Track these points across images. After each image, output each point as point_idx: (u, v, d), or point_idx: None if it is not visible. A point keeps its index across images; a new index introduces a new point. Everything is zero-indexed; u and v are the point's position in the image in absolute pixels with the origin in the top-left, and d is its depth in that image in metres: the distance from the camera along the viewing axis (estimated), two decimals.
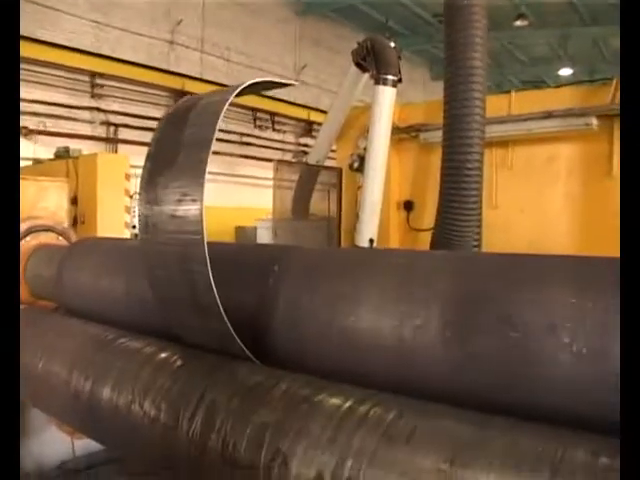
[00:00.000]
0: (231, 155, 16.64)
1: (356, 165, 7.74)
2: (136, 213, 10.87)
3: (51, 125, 13.51)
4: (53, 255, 4.37)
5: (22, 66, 12.35)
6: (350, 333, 2.30)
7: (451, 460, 1.67)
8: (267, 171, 13.67)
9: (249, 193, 16.85)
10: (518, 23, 19.21)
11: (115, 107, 15.04)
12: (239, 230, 15.42)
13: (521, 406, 1.89)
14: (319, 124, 15.97)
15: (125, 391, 2.68)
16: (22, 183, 5.27)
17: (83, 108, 14.38)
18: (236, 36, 18.39)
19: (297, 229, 8.57)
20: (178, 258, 2.35)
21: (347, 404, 2.00)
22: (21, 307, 4.20)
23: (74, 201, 8.24)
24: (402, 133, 7.70)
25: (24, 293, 4.52)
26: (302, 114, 20.26)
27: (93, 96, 14.59)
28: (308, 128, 20.57)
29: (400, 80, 7.40)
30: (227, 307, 2.29)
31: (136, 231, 10.61)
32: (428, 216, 6.89)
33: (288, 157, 18.80)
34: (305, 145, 19.84)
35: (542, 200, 6.77)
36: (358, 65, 7.81)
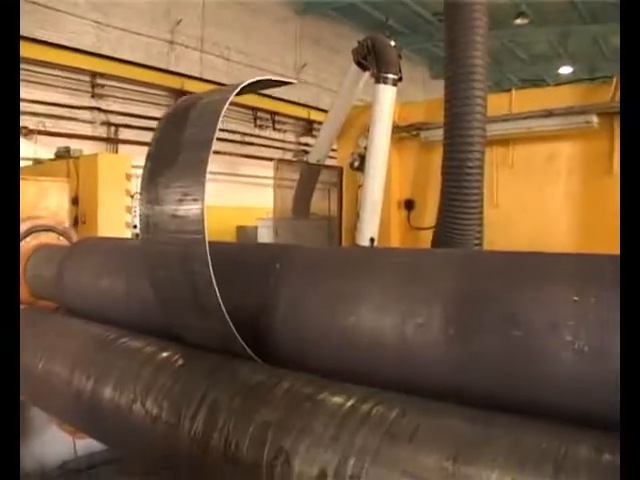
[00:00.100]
0: (231, 155, 16.63)
1: (357, 164, 7.74)
2: (137, 213, 10.89)
3: (51, 125, 13.50)
4: (54, 255, 4.37)
5: (23, 66, 12.35)
6: (352, 332, 2.30)
7: (454, 458, 1.67)
8: (267, 170, 13.66)
9: (250, 192, 16.83)
10: (518, 21, 19.21)
11: (115, 107, 15.03)
12: (240, 229, 15.41)
13: (524, 404, 1.89)
14: (319, 123, 15.97)
15: (127, 390, 2.68)
16: (23, 183, 5.27)
17: (84, 108, 14.37)
18: (236, 35, 18.38)
19: (298, 228, 8.57)
20: (179, 258, 2.35)
21: (349, 402, 2.00)
22: (22, 307, 4.20)
23: (75, 201, 8.25)
24: (403, 132, 7.69)
25: (25, 293, 4.52)
26: (302, 113, 20.25)
27: (94, 96, 14.58)
28: (308, 127, 20.56)
29: (400, 79, 7.40)
30: (228, 306, 2.29)
31: (137, 231, 10.61)
32: (429, 215, 6.89)
33: (288, 156, 18.80)
34: (305, 144, 19.84)
35: (543, 198, 6.76)
36: (359, 64, 7.80)
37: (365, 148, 7.45)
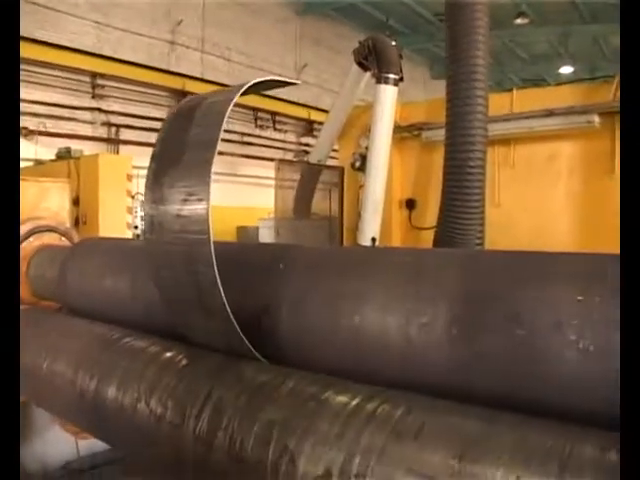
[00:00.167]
0: (232, 155, 16.62)
1: (358, 164, 7.74)
2: (138, 213, 10.90)
3: (52, 126, 13.50)
4: (56, 255, 4.37)
5: (23, 67, 12.36)
6: (355, 331, 2.31)
7: (460, 456, 1.67)
8: (268, 170, 13.66)
9: (250, 193, 16.82)
10: (519, 21, 19.21)
11: (116, 107, 15.03)
12: (241, 230, 15.41)
13: (528, 403, 1.89)
14: (320, 123, 15.96)
15: (131, 390, 2.69)
16: (24, 184, 5.28)
17: (84, 109, 14.37)
18: (236, 36, 18.38)
19: (299, 228, 8.57)
20: (184, 258, 2.35)
21: (354, 401, 2.00)
22: (25, 307, 4.21)
23: (76, 202, 8.25)
24: (404, 132, 7.70)
25: (27, 293, 4.52)
26: (303, 113, 20.25)
27: (94, 97, 14.58)
28: (309, 127, 20.56)
29: (402, 79, 7.40)
30: (231, 306, 2.29)
31: (138, 231, 10.63)
32: (430, 214, 6.89)
33: (289, 156, 18.80)
34: (306, 144, 19.84)
35: (544, 198, 6.76)
36: (360, 64, 7.81)
37: (366, 148, 7.45)
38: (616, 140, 6.14)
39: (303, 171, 8.83)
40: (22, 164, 9.24)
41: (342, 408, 2.00)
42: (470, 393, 2.01)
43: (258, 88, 2.51)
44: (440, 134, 6.02)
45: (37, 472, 5.42)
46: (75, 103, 14.15)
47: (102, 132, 14.77)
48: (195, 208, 2.24)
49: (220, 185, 15.08)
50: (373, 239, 7.19)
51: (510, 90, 7.28)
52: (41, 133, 13.14)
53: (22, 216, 4.80)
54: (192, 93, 16.33)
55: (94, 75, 14.48)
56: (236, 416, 2.18)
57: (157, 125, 15.27)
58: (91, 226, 8.34)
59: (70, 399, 3.15)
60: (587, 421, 1.74)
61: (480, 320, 2.00)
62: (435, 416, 1.87)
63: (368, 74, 7.80)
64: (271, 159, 14.86)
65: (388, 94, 7.24)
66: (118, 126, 15.00)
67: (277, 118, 19.48)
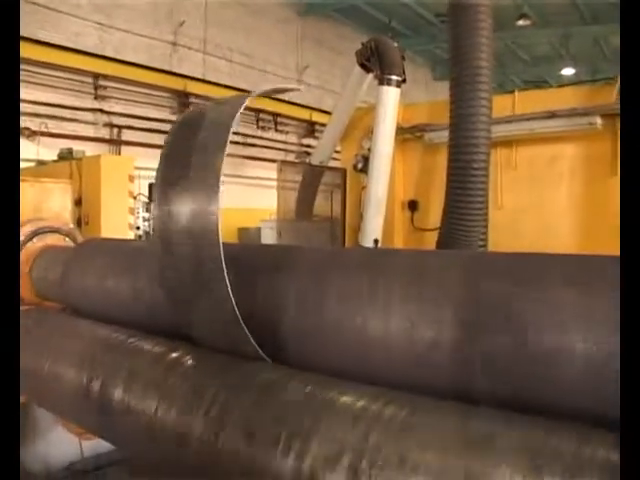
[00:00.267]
0: (233, 156, 16.63)
1: (360, 166, 7.73)
2: (140, 214, 10.92)
3: (54, 127, 13.52)
4: (59, 256, 4.37)
5: (26, 67, 12.39)
6: (359, 332, 2.31)
7: (465, 457, 1.67)
8: (269, 172, 13.67)
9: (251, 194, 16.84)
10: (520, 23, 19.24)
11: (118, 108, 15.05)
12: (242, 231, 15.41)
13: (532, 404, 1.89)
14: (321, 125, 15.98)
15: (136, 390, 2.69)
16: (26, 185, 5.29)
17: (86, 109, 14.40)
18: (238, 37, 18.41)
19: (301, 230, 8.58)
20: (192, 259, 2.36)
21: (360, 402, 2.01)
22: (28, 308, 4.22)
23: (78, 202, 8.26)
24: (406, 133, 7.69)
25: (30, 294, 4.53)
26: (304, 115, 20.28)
27: (96, 97, 14.61)
28: (310, 129, 20.59)
29: (404, 80, 7.40)
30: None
31: (140, 232, 10.65)
32: (433, 216, 6.89)
33: (290, 158, 18.82)
34: (307, 146, 19.87)
35: (547, 200, 6.76)
36: (362, 66, 7.80)
37: (369, 150, 7.44)
38: (618, 142, 6.13)
39: (305, 172, 8.83)
40: (24, 165, 9.27)
41: (347, 409, 2.00)
42: (474, 394, 2.02)
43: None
44: (442, 136, 6.02)
45: (41, 473, 5.42)
46: (77, 104, 14.18)
47: (104, 133, 14.81)
48: (204, 209, 2.25)
49: (222, 185, 15.07)
50: (375, 240, 7.18)
51: (512, 92, 7.28)
52: (43, 134, 13.16)
53: (25, 217, 4.81)
54: (194, 94, 16.40)
55: (96, 76, 14.51)
56: (242, 417, 2.19)
57: (159, 126, 15.33)
58: (93, 227, 8.35)
59: (74, 400, 3.15)
60: (591, 422, 1.74)
61: (483, 321, 2.00)
62: (439, 417, 1.88)
63: (371, 76, 7.79)
64: (273, 160, 14.88)
65: (391, 96, 7.24)
66: (120, 127, 15.03)
67: (279, 119, 19.52)
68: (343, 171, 8.42)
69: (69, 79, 13.99)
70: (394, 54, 7.42)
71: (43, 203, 5.65)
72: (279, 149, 19.29)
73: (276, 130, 19.58)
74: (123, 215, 8.66)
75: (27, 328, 3.54)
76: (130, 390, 2.72)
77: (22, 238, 4.69)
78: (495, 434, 1.72)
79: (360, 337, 2.31)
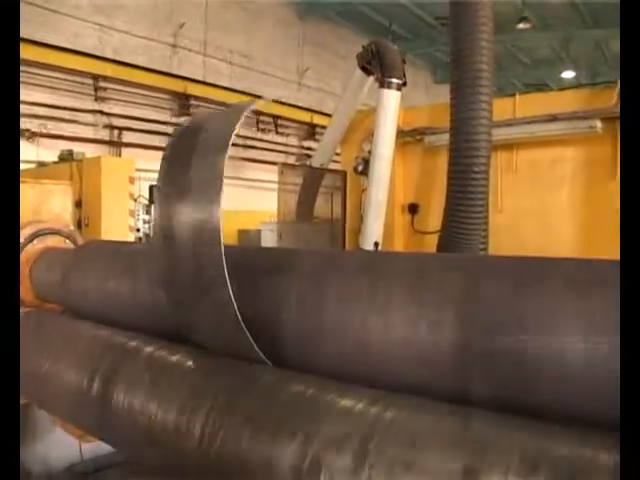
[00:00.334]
0: (234, 158, 16.63)
1: (361, 168, 7.75)
2: (140, 216, 10.93)
3: (54, 128, 13.53)
4: (59, 258, 4.37)
5: (26, 69, 12.40)
6: (359, 335, 2.31)
7: (466, 460, 1.67)
8: (269, 174, 13.67)
9: (251, 196, 16.84)
10: (521, 26, 19.26)
11: (118, 110, 15.06)
12: (242, 234, 15.41)
13: (533, 406, 1.89)
14: (322, 127, 15.99)
15: (136, 392, 2.69)
16: (26, 186, 5.29)
17: (86, 111, 14.41)
18: (239, 39, 18.43)
19: (301, 232, 8.59)
20: (193, 261, 2.36)
21: (360, 404, 2.01)
22: (28, 310, 4.21)
23: (78, 204, 8.27)
24: (407, 136, 7.71)
25: (31, 296, 4.52)
26: (305, 117, 20.29)
27: (96, 99, 14.62)
28: (311, 131, 20.60)
29: (405, 83, 7.42)
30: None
31: (140, 234, 10.65)
32: (433, 219, 6.91)
33: (291, 160, 18.82)
34: (308, 148, 19.88)
35: (547, 203, 6.77)
36: (363, 69, 7.83)
37: (369, 152, 7.46)
38: (618, 145, 6.14)
39: (306, 175, 8.85)
40: (24, 166, 9.29)
41: (347, 411, 2.00)
42: (474, 397, 2.02)
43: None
44: (443, 139, 6.04)
45: (41, 475, 5.41)
46: (77, 105, 14.19)
47: (104, 134, 14.82)
48: (206, 210, 2.25)
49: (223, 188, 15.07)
50: (376, 243, 7.19)
51: (513, 95, 7.29)
52: (43, 135, 13.17)
53: (25, 219, 4.81)
54: (194, 96, 16.42)
55: (96, 77, 14.52)
56: (242, 420, 2.19)
57: (159, 128, 15.35)
58: (93, 229, 8.36)
59: (75, 401, 3.15)
60: (591, 423, 1.74)
61: (483, 324, 2.00)
62: (440, 421, 1.88)
63: (371, 78, 7.82)
64: (273, 162, 14.89)
65: (391, 98, 7.26)
66: (120, 129, 15.04)
67: (279, 121, 19.51)
68: (343, 174, 8.44)
69: (69, 80, 14.00)
70: (395, 57, 7.44)
71: (43, 205, 5.65)
72: (279, 151, 19.30)
73: (276, 132, 19.59)
74: (123, 217, 8.66)
75: (27, 330, 3.54)
76: (130, 392, 2.72)
77: (22, 240, 4.69)
78: (495, 436, 1.72)
79: (360, 340, 2.31)
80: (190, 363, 2.65)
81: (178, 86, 16.31)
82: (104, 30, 14.95)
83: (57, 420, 4.20)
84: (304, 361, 2.52)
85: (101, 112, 14.70)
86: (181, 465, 2.39)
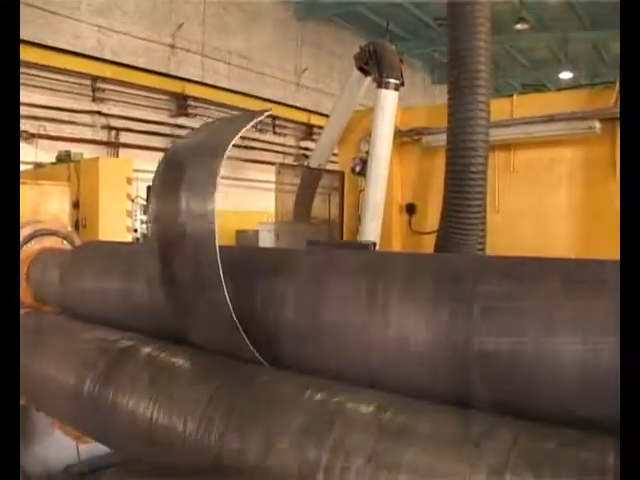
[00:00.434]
0: (231, 158, 16.60)
1: (358, 169, 7.75)
2: (138, 217, 10.92)
3: (52, 129, 13.51)
4: (57, 259, 4.37)
5: (24, 70, 12.37)
6: (358, 335, 2.31)
7: (465, 460, 1.67)
8: (267, 174, 13.66)
9: (249, 196, 16.83)
10: (519, 27, 19.27)
11: (116, 111, 15.04)
12: (240, 234, 15.39)
13: (531, 408, 1.89)
14: (319, 127, 15.98)
15: (133, 393, 2.69)
16: (24, 187, 5.28)
17: (84, 112, 14.38)
18: (237, 40, 18.41)
19: (299, 232, 8.58)
20: (189, 261, 2.36)
21: (359, 405, 2.01)
22: (26, 311, 4.20)
23: (76, 205, 8.27)
24: (404, 137, 7.71)
25: (28, 297, 4.51)
26: (302, 117, 20.28)
27: (94, 100, 14.59)
28: (309, 131, 20.57)
29: (402, 84, 7.43)
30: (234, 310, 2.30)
31: (138, 235, 10.64)
32: (430, 219, 6.91)
33: (288, 160, 18.80)
34: (306, 148, 19.85)
35: (545, 204, 6.77)
36: (361, 69, 7.83)
37: (367, 153, 7.46)
38: (617, 146, 6.14)
39: (303, 175, 8.85)
40: (22, 167, 9.26)
41: (345, 412, 2.00)
42: (472, 398, 2.01)
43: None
44: (440, 139, 6.04)
45: (38, 476, 5.40)
46: (75, 106, 14.16)
47: (102, 135, 14.78)
48: (201, 211, 2.25)
49: (219, 188, 15.04)
50: (373, 243, 7.19)
51: (510, 95, 7.30)
52: (41, 136, 13.14)
53: (22, 219, 4.79)
54: (192, 97, 16.40)
55: (94, 78, 14.49)
56: (239, 420, 2.19)
57: (157, 129, 15.33)
58: (91, 229, 8.36)
59: (72, 402, 3.14)
60: (590, 425, 1.74)
61: (481, 325, 2.00)
62: (437, 420, 1.88)
63: (369, 79, 7.82)
64: (271, 163, 14.87)
65: (389, 99, 7.26)
66: (118, 129, 15.01)
67: (277, 122, 19.48)
68: (341, 174, 8.44)
69: (67, 81, 13.97)
70: (392, 58, 7.45)
71: (41, 205, 5.64)
72: (277, 152, 19.26)
73: (274, 133, 19.56)
74: (121, 218, 8.66)
75: (25, 331, 3.53)
76: (128, 392, 2.72)
77: (20, 240, 4.68)
78: (494, 437, 1.71)
79: (358, 340, 2.31)
80: (187, 363, 2.65)
81: (176, 87, 16.29)
82: (103, 31, 14.93)
83: (56, 422, 4.19)
84: (301, 361, 2.52)
85: (99, 113, 14.67)
86: (177, 465, 2.39)
